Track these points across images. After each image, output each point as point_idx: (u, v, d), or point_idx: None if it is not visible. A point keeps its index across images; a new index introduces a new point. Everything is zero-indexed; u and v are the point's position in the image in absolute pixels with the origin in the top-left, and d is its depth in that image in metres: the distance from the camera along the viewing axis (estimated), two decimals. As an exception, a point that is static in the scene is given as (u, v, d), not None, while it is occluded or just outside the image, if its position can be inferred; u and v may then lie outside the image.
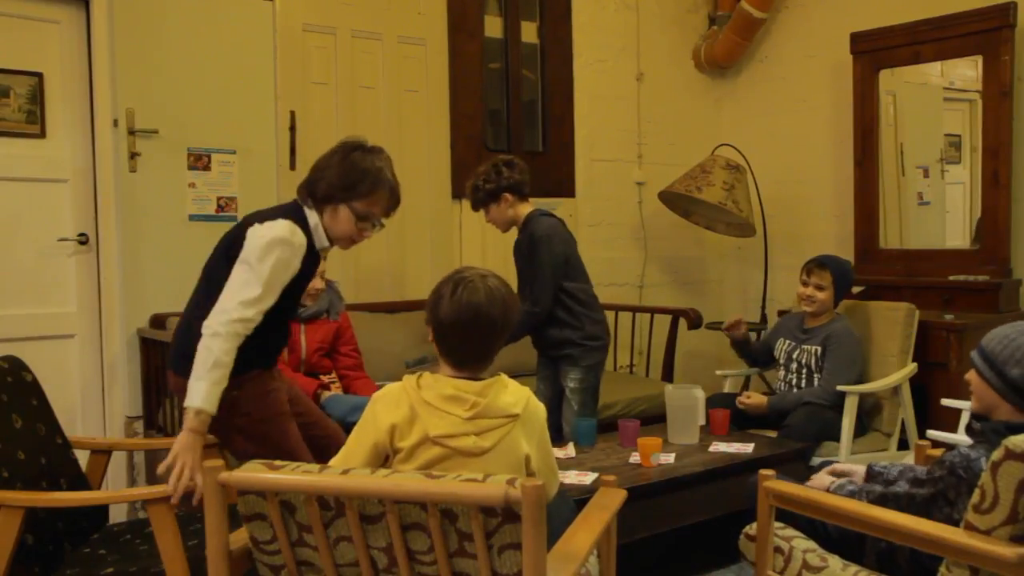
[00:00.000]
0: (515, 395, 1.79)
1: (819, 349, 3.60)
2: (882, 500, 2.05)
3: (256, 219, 2.25)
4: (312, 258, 2.34)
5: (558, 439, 3.27)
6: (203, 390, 2.07)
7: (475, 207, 3.44)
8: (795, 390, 3.63)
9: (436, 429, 1.71)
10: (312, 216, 2.31)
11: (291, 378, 3.19)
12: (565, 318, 3.35)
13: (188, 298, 2.42)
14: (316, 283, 3.30)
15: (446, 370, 1.81)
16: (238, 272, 2.16)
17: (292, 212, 2.29)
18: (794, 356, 3.68)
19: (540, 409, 1.85)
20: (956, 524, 1.85)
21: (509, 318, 1.81)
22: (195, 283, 2.41)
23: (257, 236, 2.18)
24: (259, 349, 2.25)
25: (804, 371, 3.63)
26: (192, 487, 2.03)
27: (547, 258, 3.28)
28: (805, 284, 3.68)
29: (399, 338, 3.96)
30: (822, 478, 2.34)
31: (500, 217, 3.39)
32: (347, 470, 1.56)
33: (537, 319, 3.32)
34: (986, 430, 1.98)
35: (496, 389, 1.77)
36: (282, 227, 2.20)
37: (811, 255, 3.81)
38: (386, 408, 1.75)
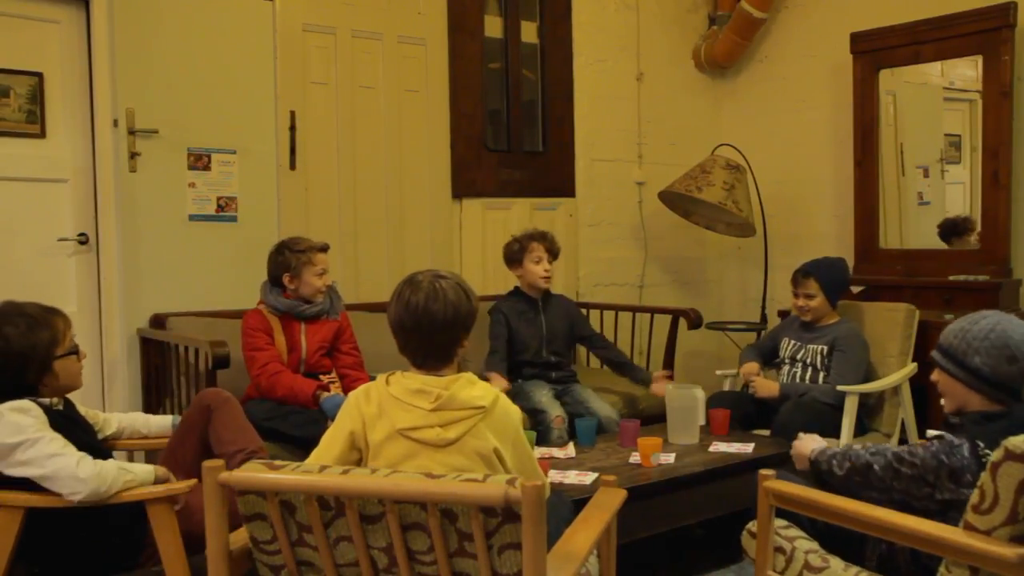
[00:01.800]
0: (483, 391, 1.83)
1: (825, 348, 3.59)
2: (866, 468, 2.07)
3: None
4: None
5: None
6: None
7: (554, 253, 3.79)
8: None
9: (402, 422, 1.77)
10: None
11: (291, 379, 3.20)
12: None
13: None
14: (321, 281, 3.33)
15: (413, 370, 1.87)
16: None
17: None
18: (799, 356, 3.66)
19: (513, 411, 1.88)
20: (937, 504, 1.91)
21: (460, 314, 1.85)
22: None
23: None
24: None
25: (809, 370, 3.61)
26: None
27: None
28: (795, 295, 3.66)
29: (399, 338, 3.97)
30: (807, 442, 2.34)
31: (523, 277, 3.79)
32: (347, 470, 1.56)
33: None
34: (965, 423, 1.99)
35: (461, 384, 1.82)
36: None
37: (811, 255, 3.81)
38: (358, 402, 1.83)
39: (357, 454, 1.82)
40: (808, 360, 3.63)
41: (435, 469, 1.71)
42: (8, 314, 2.23)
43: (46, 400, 2.27)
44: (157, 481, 2.15)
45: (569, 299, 4.07)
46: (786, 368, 3.72)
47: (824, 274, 3.61)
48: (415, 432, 1.76)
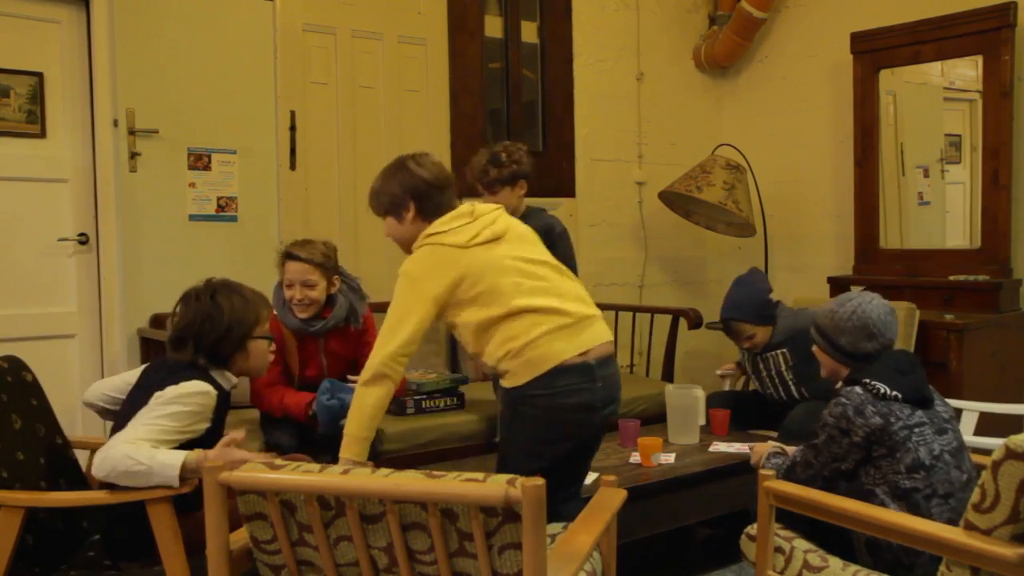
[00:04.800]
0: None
1: (785, 352, 3.38)
2: (792, 464, 2.30)
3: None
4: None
5: None
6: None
7: (490, 185, 3.20)
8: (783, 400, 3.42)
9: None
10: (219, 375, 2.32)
11: (281, 395, 2.97)
12: None
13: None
14: (291, 293, 2.93)
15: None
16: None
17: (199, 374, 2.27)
18: (760, 366, 3.46)
19: None
20: (861, 452, 2.12)
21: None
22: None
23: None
24: None
25: (778, 379, 3.41)
26: None
27: (572, 252, 3.26)
28: (736, 343, 3.48)
29: (399, 338, 3.96)
30: (759, 448, 2.57)
31: (508, 203, 3.10)
32: (347, 470, 1.56)
33: None
34: (845, 385, 2.25)
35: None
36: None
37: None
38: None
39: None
40: (772, 369, 3.42)
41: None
42: (227, 288, 2.37)
43: (232, 380, 2.37)
44: (187, 469, 2.07)
45: None
46: (758, 384, 3.54)
47: (748, 312, 3.39)
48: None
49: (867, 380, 2.16)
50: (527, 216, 3.23)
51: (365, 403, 2.20)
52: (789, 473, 2.29)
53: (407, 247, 2.36)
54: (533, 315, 2.22)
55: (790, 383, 3.39)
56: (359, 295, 3.11)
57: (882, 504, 2.06)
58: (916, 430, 2.09)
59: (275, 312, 2.96)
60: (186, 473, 2.06)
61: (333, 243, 3.07)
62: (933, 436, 2.11)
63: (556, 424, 2.25)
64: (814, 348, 2.42)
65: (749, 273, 3.56)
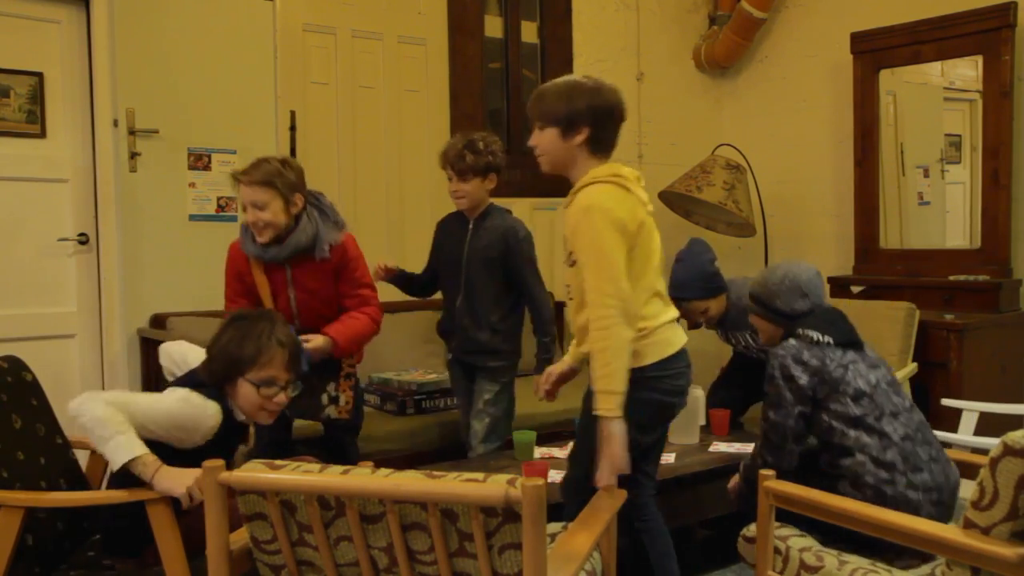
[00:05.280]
0: None
1: (748, 335, 3.30)
2: (752, 460, 2.41)
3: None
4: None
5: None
6: None
7: (463, 172, 3.02)
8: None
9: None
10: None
11: None
12: (509, 327, 3.15)
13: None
14: (245, 216, 2.71)
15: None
16: None
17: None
18: (732, 342, 3.44)
19: None
20: (810, 404, 2.24)
21: None
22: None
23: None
24: None
25: (756, 350, 3.32)
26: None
27: (533, 260, 3.13)
28: (693, 324, 3.35)
29: (399, 338, 3.96)
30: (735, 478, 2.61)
31: (475, 193, 3.05)
32: (347, 470, 1.56)
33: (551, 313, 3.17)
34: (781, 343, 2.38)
35: None
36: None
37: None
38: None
39: None
40: (743, 345, 3.38)
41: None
42: (244, 322, 2.22)
43: (242, 417, 2.24)
44: (135, 464, 2.00)
45: None
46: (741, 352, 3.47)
47: (696, 288, 3.27)
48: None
49: (800, 330, 2.33)
50: (488, 214, 3.13)
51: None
52: (753, 464, 2.37)
53: (550, 166, 2.24)
54: (660, 300, 2.24)
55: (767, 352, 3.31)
56: (332, 221, 2.79)
57: (842, 438, 2.20)
58: (850, 366, 2.26)
59: (239, 239, 2.84)
60: (132, 468, 1.99)
61: (298, 163, 2.81)
62: (867, 369, 2.28)
63: (666, 408, 2.27)
64: (751, 318, 2.56)
65: (688, 247, 3.42)
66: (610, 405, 2.03)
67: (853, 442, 2.19)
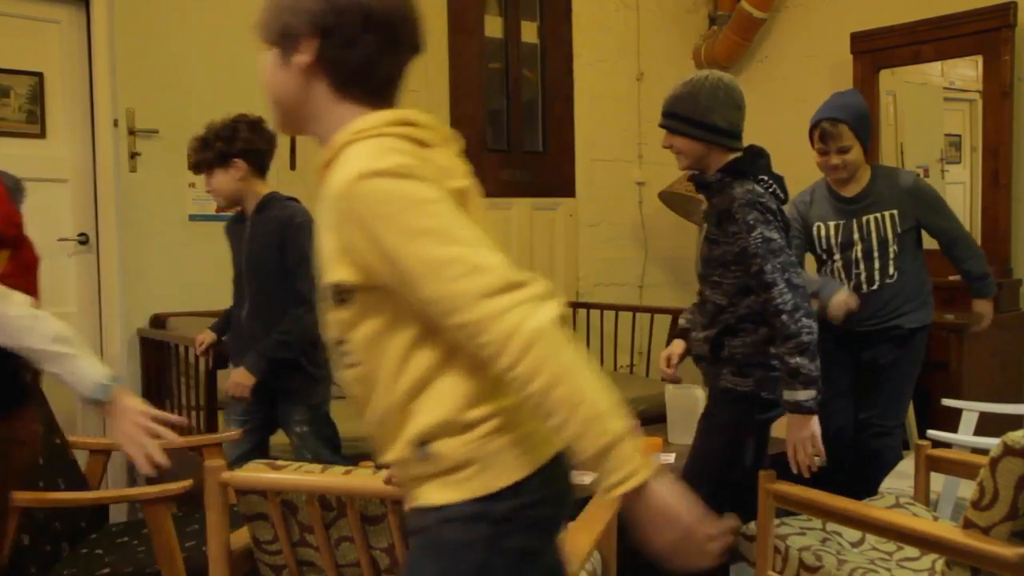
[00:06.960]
0: None
1: (895, 213, 2.82)
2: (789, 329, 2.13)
3: None
4: None
5: None
6: None
7: (197, 169, 2.70)
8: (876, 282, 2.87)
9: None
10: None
11: None
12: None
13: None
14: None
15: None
16: None
17: None
18: (855, 238, 2.90)
19: None
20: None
21: None
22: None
23: None
24: None
25: (878, 250, 2.85)
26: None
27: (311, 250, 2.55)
28: (824, 153, 2.89)
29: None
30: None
31: (224, 188, 2.67)
32: (348, 470, 1.56)
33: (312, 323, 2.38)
34: (733, 175, 2.17)
35: None
36: None
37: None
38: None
39: None
40: (878, 234, 2.86)
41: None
42: None
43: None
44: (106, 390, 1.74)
45: None
46: (836, 263, 2.96)
47: (852, 117, 2.82)
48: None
49: (763, 177, 2.14)
50: (265, 205, 2.73)
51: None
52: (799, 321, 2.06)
53: (283, 122, 1.24)
54: None
55: (891, 258, 2.86)
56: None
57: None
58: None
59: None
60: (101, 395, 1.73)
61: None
62: None
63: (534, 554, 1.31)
64: (672, 140, 2.23)
65: (852, 90, 3.07)
66: (630, 466, 1.07)
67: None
